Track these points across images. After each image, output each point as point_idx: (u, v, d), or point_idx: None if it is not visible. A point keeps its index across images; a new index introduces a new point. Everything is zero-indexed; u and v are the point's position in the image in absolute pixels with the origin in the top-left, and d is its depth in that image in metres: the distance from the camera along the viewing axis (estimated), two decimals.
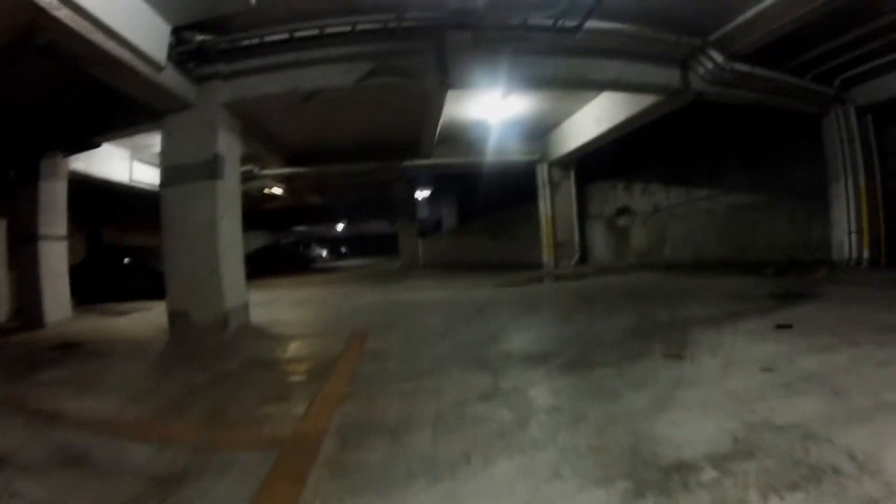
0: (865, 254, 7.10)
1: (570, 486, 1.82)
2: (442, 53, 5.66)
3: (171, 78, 5.10)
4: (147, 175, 9.89)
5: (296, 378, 3.80)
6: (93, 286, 10.26)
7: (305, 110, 7.39)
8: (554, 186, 12.41)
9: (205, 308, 5.49)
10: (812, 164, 7.85)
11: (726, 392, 2.65)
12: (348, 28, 5.26)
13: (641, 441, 2.14)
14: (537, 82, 6.74)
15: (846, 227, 7.32)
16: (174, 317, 5.61)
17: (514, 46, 5.56)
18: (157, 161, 6.64)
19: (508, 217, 16.19)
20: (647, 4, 5.42)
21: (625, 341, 4.06)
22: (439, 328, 5.37)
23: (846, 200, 7.30)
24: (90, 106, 6.65)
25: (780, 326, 3.92)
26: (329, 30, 5.27)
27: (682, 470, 1.87)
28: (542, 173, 12.38)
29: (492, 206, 17.31)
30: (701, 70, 6.41)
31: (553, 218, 12.44)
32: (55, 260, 7.46)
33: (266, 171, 11.32)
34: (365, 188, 17.28)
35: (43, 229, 7.30)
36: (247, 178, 10.64)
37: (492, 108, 8.80)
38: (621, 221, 12.30)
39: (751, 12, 5.44)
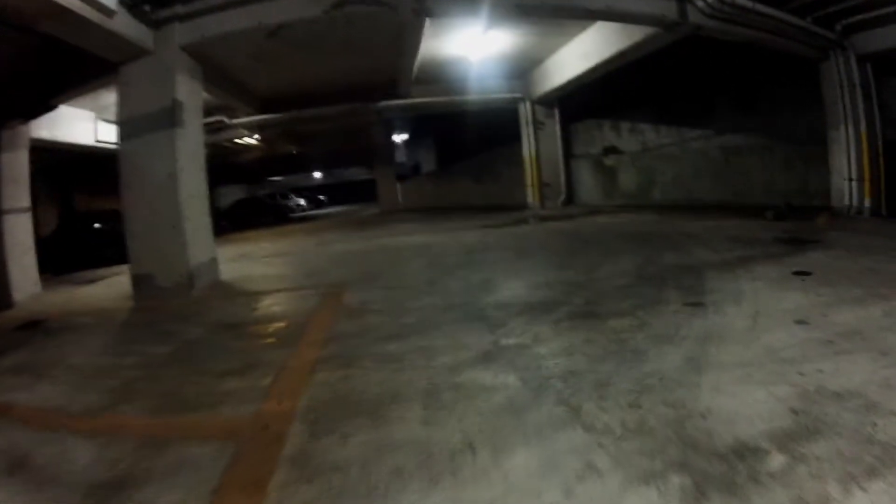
0: (867, 202, 6.87)
1: (610, 486, 1.43)
2: None
3: (124, 24, 4.76)
4: (113, 135, 9.14)
5: (265, 341, 3.36)
6: (67, 256, 9.93)
7: (273, 55, 6.90)
8: (538, 125, 11.87)
9: (169, 268, 5.18)
10: (809, 109, 7.50)
11: (765, 349, 2.31)
12: None
13: (685, 416, 1.77)
14: (522, 11, 6.02)
15: (846, 174, 7.06)
16: (138, 280, 5.28)
17: None
18: None
19: (491, 158, 15.58)
20: None
21: (635, 287, 3.70)
22: (425, 277, 4.92)
23: (846, 147, 7.02)
24: (45, 68, 6.21)
25: (798, 273, 3.61)
26: None
27: (745, 455, 1.51)
28: (526, 111, 11.83)
29: (474, 148, 16.62)
30: (699, 2, 5.81)
31: (537, 158, 11.98)
32: (21, 233, 6.88)
33: (236, 121, 10.68)
34: (342, 135, 16.60)
35: (7, 203, 6.67)
36: (216, 128, 10.21)
37: (472, 45, 8.10)
38: (608, 161, 11.83)
39: None
